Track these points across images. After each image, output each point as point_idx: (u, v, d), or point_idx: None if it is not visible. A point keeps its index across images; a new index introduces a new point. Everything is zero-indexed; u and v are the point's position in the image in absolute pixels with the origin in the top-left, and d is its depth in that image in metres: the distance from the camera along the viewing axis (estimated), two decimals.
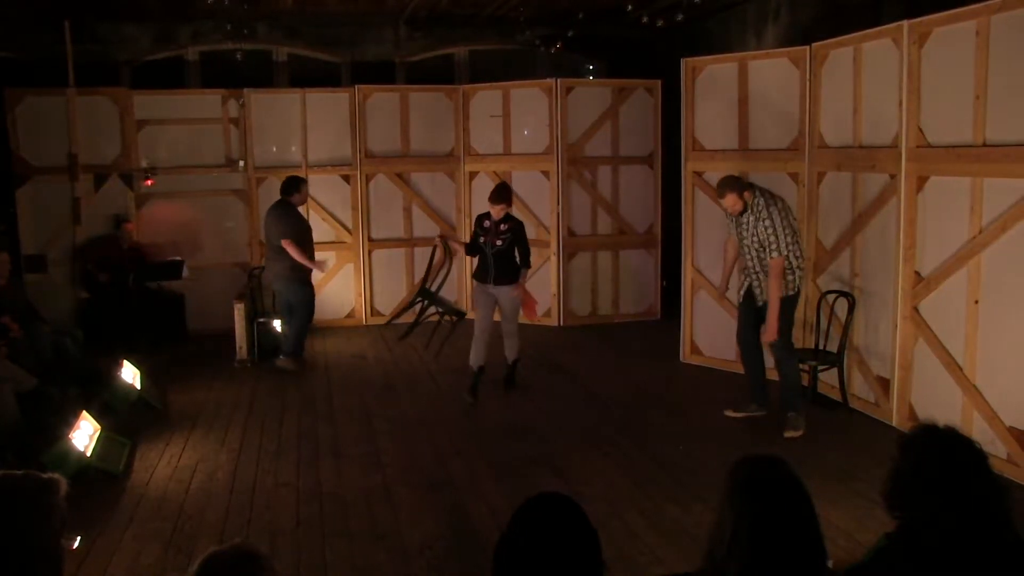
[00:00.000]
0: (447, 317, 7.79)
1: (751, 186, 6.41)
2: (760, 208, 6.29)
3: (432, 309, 7.78)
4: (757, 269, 6.47)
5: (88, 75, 9.69)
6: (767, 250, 6.28)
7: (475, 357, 7.42)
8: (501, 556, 2.06)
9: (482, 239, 7.33)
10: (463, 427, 6.75)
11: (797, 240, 6.41)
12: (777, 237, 6.23)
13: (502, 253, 7.26)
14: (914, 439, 2.49)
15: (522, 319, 7.80)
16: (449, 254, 7.69)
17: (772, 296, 6.31)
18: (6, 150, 9.48)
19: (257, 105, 10.16)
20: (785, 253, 6.26)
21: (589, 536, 2.11)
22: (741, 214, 6.40)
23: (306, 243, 8.43)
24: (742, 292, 6.72)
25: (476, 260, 7.58)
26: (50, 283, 9.49)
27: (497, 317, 7.54)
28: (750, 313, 6.63)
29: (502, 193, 7.36)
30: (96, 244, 9.51)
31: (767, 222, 6.24)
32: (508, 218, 7.33)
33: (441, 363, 8.65)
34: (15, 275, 8.09)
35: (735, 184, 6.38)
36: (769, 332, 6.36)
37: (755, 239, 6.34)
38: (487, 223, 7.31)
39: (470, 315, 8.25)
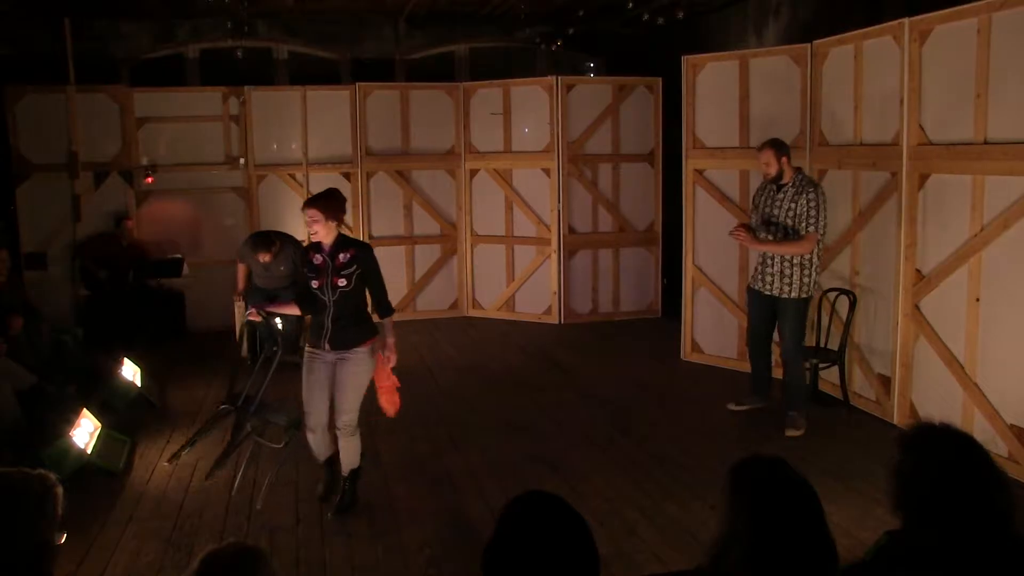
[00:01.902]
0: (268, 436, 5.44)
1: (798, 169, 6.40)
2: (805, 183, 6.28)
3: (252, 423, 5.33)
4: (774, 253, 6.35)
5: (88, 72, 9.69)
6: (804, 224, 6.17)
7: (319, 448, 5.26)
8: (489, 566, 2.00)
9: (315, 282, 4.97)
10: (462, 424, 6.74)
11: (824, 234, 6.39)
12: (818, 214, 6.17)
13: (348, 298, 4.95)
14: (914, 437, 2.48)
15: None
16: (275, 329, 5.39)
17: (788, 247, 6.23)
18: (6, 147, 9.48)
19: (257, 102, 10.15)
20: (820, 234, 6.23)
21: (580, 531, 2.02)
22: (780, 188, 6.33)
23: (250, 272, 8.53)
24: (750, 283, 6.69)
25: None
26: (50, 280, 9.48)
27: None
28: (761, 307, 6.58)
29: (329, 202, 4.95)
30: (96, 241, 9.51)
31: (811, 194, 6.19)
32: (346, 242, 5.02)
33: (441, 361, 8.67)
34: (15, 272, 8.08)
35: (777, 143, 6.36)
36: (758, 243, 6.38)
37: (790, 211, 6.24)
38: (318, 257, 4.97)
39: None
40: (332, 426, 5.13)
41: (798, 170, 6.42)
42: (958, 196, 5.83)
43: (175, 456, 5.04)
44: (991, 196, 5.58)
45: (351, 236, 5.20)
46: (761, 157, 6.37)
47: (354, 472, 5.24)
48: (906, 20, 6.16)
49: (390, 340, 5.13)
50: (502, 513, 2.05)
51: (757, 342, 6.73)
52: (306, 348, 5.12)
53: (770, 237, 6.39)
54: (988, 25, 5.51)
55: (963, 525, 2.30)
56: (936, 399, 6.08)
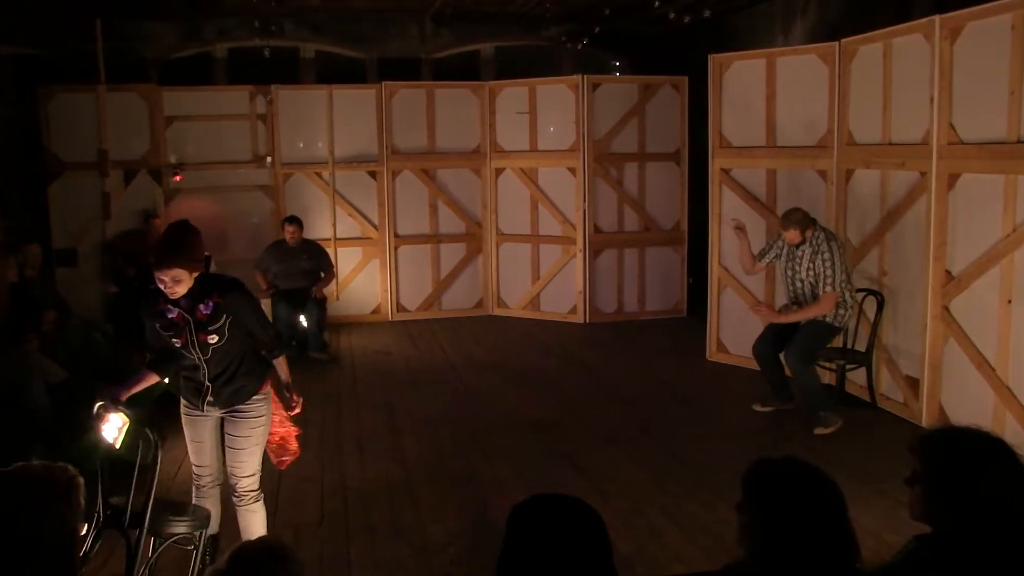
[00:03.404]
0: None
1: (813, 222, 6.51)
2: (820, 241, 6.40)
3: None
4: (808, 298, 6.49)
5: (117, 72, 9.79)
6: (822, 284, 6.34)
7: (213, 513, 4.21)
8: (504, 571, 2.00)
9: (175, 341, 3.93)
10: (486, 423, 6.74)
11: (849, 276, 6.52)
12: (834, 272, 6.32)
13: (225, 353, 3.97)
14: (939, 440, 2.45)
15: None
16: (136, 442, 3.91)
17: (808, 311, 6.40)
18: (38, 146, 9.61)
19: (284, 101, 10.21)
20: (839, 290, 6.36)
21: (588, 527, 2.02)
22: (798, 247, 6.50)
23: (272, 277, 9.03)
24: (778, 308, 6.87)
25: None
26: (80, 277, 9.60)
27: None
28: (783, 327, 6.62)
29: (190, 252, 3.83)
30: (125, 239, 9.61)
31: (826, 255, 6.33)
32: (204, 287, 3.89)
33: (466, 360, 8.69)
34: (46, 269, 8.18)
35: (804, 220, 6.47)
36: (781, 316, 6.58)
37: (810, 270, 6.42)
38: (172, 311, 3.87)
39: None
40: (218, 494, 4.23)
41: (813, 226, 6.50)
42: (989, 196, 5.76)
43: None
44: None
45: (207, 273, 4.01)
46: (788, 235, 6.50)
47: None
48: (937, 17, 6.09)
49: (288, 382, 4.25)
50: (508, 523, 2.05)
51: (763, 356, 6.73)
52: (183, 404, 4.15)
53: (796, 307, 6.56)
54: (1022, 21, 5.43)
55: (993, 528, 2.27)
56: (966, 402, 6.01)
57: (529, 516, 2.05)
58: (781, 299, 7.48)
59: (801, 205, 7.52)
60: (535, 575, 1.95)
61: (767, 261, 6.87)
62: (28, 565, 2.05)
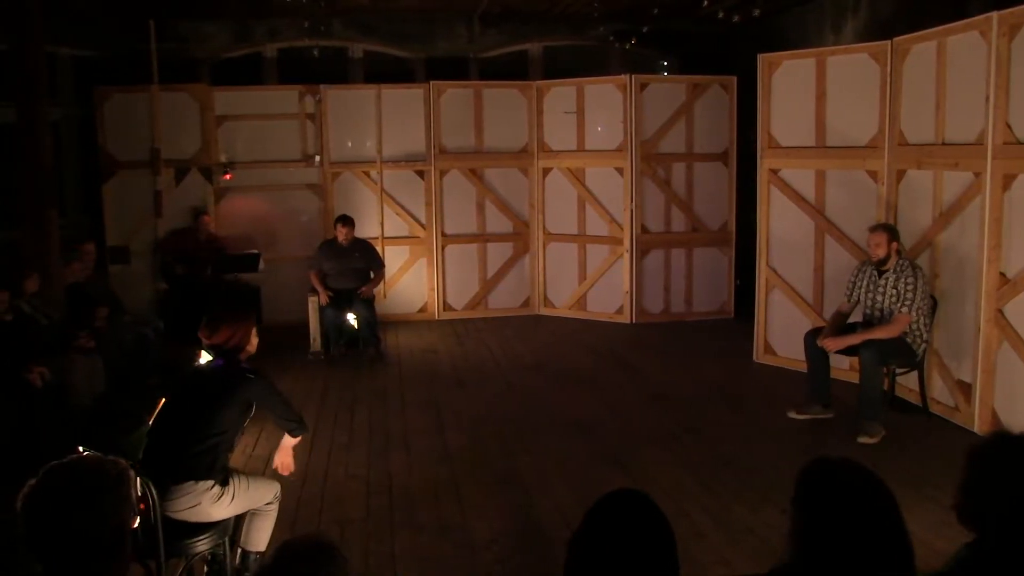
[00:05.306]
0: None
1: (899, 251, 6.42)
2: (905, 267, 6.29)
3: None
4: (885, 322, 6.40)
5: (170, 72, 9.97)
6: (900, 303, 6.21)
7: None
8: (574, 554, 2.07)
9: None
10: (531, 422, 6.75)
11: (927, 313, 6.38)
12: (915, 295, 6.18)
13: None
14: (990, 448, 2.41)
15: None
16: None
17: (878, 332, 6.27)
18: (94, 146, 9.82)
19: (333, 101, 10.31)
20: (915, 316, 6.23)
21: (666, 535, 2.14)
22: (881, 274, 6.37)
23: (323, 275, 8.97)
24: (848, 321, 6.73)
25: None
26: (132, 274, 9.79)
27: None
28: (836, 332, 6.55)
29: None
30: (175, 236, 9.77)
31: (910, 279, 6.21)
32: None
33: (512, 359, 8.70)
34: (100, 266, 8.35)
35: (891, 227, 6.45)
36: (848, 338, 6.39)
37: (893, 295, 6.29)
38: None
39: None
40: None
41: (898, 253, 6.41)
42: None
43: None
44: None
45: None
46: (873, 239, 6.39)
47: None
48: (994, 14, 5.97)
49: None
50: (593, 506, 2.13)
51: (815, 346, 6.60)
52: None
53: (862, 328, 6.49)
54: None
55: None
56: (1020, 407, 5.89)
57: (617, 506, 2.16)
58: (830, 307, 7.38)
59: (851, 206, 7.45)
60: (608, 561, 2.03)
61: (857, 297, 6.62)
62: (79, 555, 2.11)
